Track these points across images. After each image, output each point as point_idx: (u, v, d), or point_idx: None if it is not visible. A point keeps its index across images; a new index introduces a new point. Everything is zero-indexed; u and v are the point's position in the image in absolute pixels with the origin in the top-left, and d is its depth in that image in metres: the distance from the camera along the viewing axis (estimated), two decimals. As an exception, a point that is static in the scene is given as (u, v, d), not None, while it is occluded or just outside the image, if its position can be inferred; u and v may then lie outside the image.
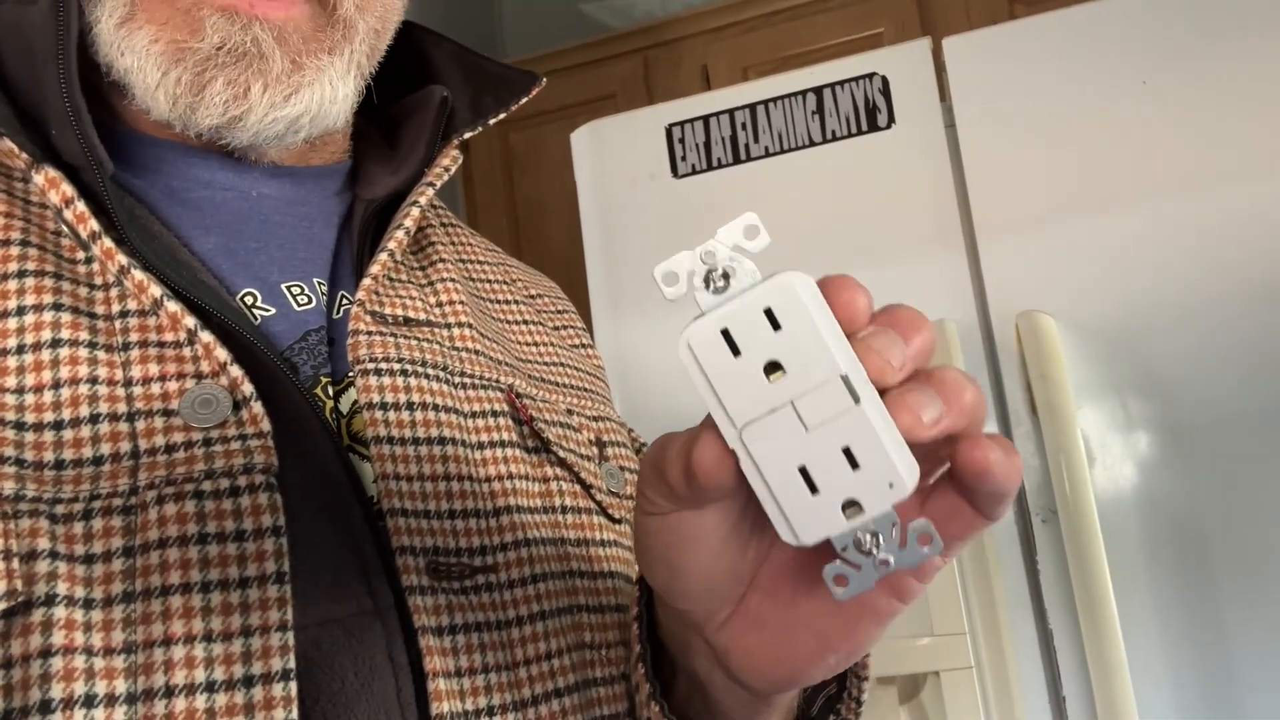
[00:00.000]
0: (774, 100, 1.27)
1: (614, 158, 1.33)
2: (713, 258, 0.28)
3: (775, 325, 0.27)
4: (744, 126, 1.28)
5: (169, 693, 0.33)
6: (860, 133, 1.23)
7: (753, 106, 1.28)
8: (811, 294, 0.27)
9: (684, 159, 1.30)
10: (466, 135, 0.51)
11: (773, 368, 0.27)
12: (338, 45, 0.44)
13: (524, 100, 0.52)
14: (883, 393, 0.28)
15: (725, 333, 0.27)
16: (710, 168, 1.29)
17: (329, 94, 0.43)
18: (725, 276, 0.28)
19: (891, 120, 1.22)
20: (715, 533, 0.32)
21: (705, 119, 1.29)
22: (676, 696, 0.42)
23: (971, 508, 0.30)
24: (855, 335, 0.28)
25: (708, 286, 0.28)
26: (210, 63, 0.41)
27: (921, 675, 1.06)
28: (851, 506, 0.28)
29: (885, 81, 1.23)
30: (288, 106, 0.42)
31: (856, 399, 0.27)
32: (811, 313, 0.27)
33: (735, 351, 0.27)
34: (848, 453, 0.27)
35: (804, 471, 0.28)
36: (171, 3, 0.41)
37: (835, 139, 1.24)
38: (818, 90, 1.26)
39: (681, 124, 1.30)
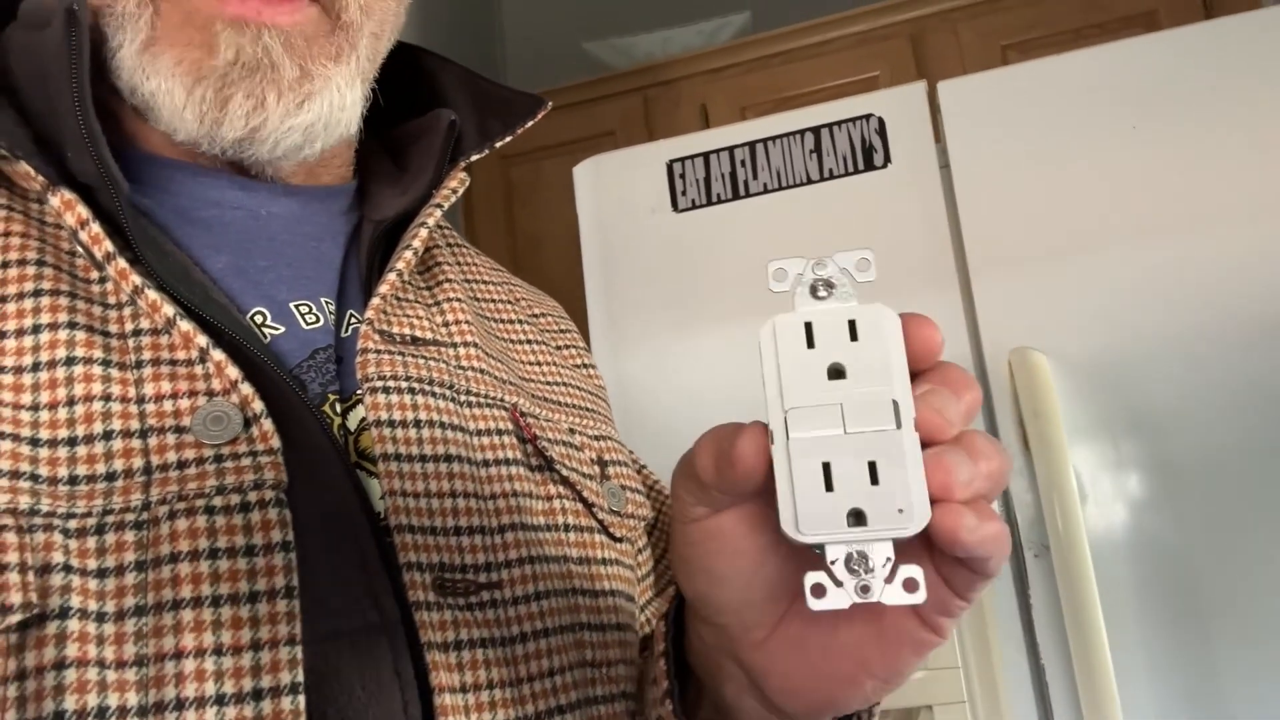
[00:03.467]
0: (773, 139, 1.30)
1: (616, 191, 1.35)
2: (823, 269, 0.31)
3: (854, 337, 0.30)
4: (743, 163, 1.30)
5: (179, 705, 0.33)
6: (857, 171, 1.25)
7: (752, 144, 1.30)
8: (894, 328, 0.30)
9: (684, 194, 1.32)
10: (474, 158, 0.51)
11: (836, 373, 0.30)
12: (343, 52, 0.45)
13: (530, 123, 0.52)
14: (927, 446, 0.29)
15: (809, 326, 0.30)
16: (710, 203, 1.30)
17: (338, 100, 0.45)
18: (828, 287, 0.30)
19: (887, 160, 1.24)
20: (754, 542, 0.33)
21: (706, 155, 1.31)
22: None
23: (967, 569, 0.31)
24: (917, 381, 0.30)
25: (811, 293, 0.30)
26: (228, 78, 0.42)
27: (915, 709, 1.06)
28: (857, 520, 0.28)
29: (881, 122, 1.25)
30: (301, 114, 0.43)
31: (899, 425, 0.29)
32: (889, 339, 0.30)
33: (810, 344, 0.30)
34: (872, 467, 0.28)
35: (826, 469, 0.29)
36: (189, 21, 0.42)
37: (832, 177, 1.26)
38: (816, 130, 1.28)
39: (682, 160, 1.32)
